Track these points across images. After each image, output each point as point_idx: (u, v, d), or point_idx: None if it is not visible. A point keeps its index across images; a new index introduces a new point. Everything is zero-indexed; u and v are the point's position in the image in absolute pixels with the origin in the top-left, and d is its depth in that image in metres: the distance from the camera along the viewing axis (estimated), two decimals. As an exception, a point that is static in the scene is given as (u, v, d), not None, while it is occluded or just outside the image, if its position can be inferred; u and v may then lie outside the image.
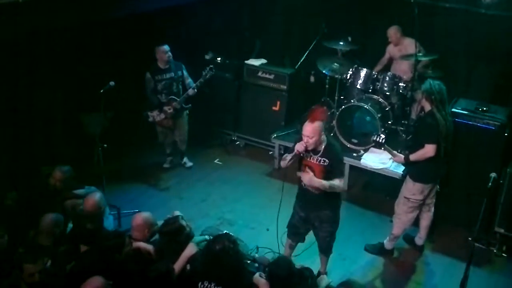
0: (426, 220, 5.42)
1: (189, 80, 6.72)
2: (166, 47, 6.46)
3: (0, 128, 5.69)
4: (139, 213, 4.33)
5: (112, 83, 5.63)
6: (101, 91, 5.53)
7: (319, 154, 4.35)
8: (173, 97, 6.58)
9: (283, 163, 4.57)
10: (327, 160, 4.33)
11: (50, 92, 6.26)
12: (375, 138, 5.02)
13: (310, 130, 4.21)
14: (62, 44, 6.09)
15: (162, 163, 7.16)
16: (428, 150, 4.85)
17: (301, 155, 4.37)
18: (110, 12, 5.95)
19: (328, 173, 4.34)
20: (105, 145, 5.65)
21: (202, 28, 7.64)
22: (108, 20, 6.13)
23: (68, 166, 5.02)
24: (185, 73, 6.71)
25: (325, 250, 4.85)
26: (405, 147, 5.54)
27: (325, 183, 4.32)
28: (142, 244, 4.08)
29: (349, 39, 7.08)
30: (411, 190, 5.14)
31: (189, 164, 7.14)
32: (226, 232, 4.19)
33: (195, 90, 6.57)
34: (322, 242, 4.77)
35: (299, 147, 4.29)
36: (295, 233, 4.86)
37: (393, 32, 6.93)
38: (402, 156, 5.07)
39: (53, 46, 6.00)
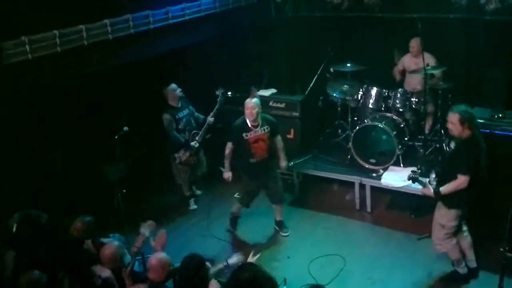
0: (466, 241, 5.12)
1: (196, 114, 6.81)
2: (174, 85, 6.54)
3: (19, 181, 5.73)
4: (154, 254, 4.31)
5: (125, 128, 5.69)
6: (116, 137, 5.60)
7: (260, 126, 5.81)
8: (196, 131, 6.67)
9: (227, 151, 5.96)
10: (268, 127, 5.83)
11: (66, 143, 6.36)
12: (411, 176, 4.91)
13: (254, 104, 5.71)
14: (73, 94, 6.19)
15: (178, 203, 7.11)
16: (462, 181, 4.58)
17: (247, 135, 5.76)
18: (117, 60, 6.10)
19: (272, 137, 5.91)
20: (124, 191, 5.68)
21: (210, 65, 7.74)
22: (115, 67, 6.25)
23: (90, 216, 4.95)
24: (191, 107, 6.78)
25: (281, 200, 6.22)
26: (437, 174, 5.01)
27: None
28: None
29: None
30: (445, 216, 4.86)
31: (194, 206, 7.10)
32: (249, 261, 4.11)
33: (213, 118, 6.65)
34: (277, 195, 6.13)
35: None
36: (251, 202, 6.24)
37: (416, 43, 6.78)
38: (431, 190, 4.80)
39: (65, 96, 6.12)
